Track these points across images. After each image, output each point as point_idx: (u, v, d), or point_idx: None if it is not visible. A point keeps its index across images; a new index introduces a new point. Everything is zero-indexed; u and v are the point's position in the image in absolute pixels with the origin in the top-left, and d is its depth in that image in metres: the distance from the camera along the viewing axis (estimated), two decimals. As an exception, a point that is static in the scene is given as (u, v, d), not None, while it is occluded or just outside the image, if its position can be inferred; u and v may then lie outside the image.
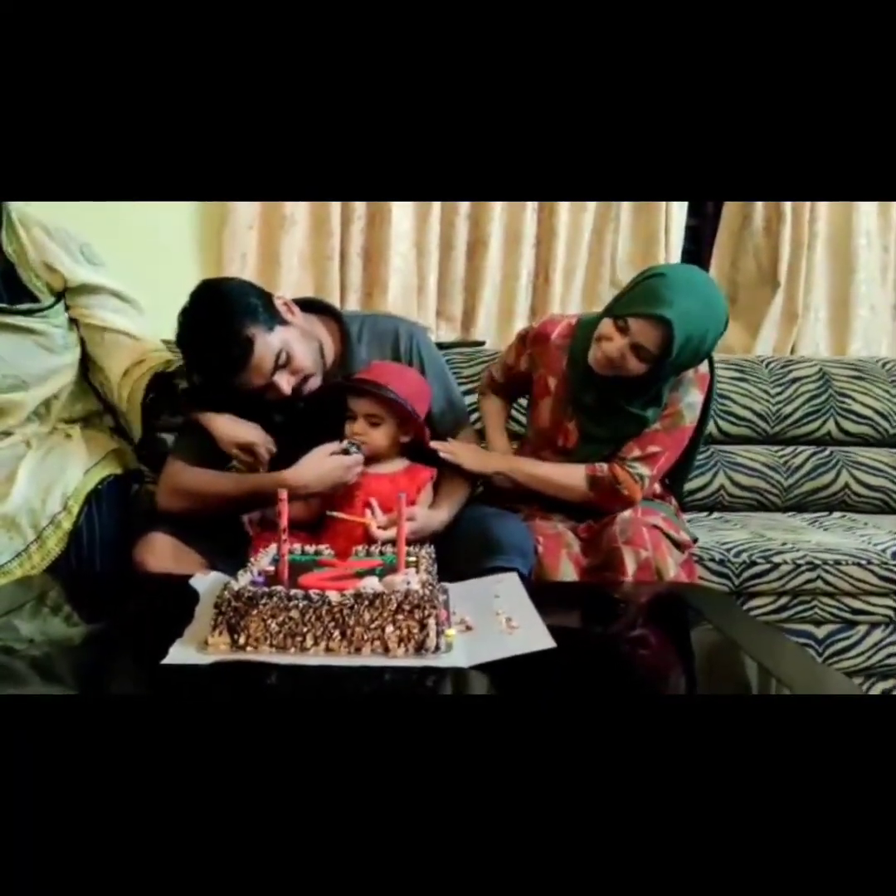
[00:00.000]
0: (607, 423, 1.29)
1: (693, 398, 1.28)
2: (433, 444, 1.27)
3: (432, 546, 1.23)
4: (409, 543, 1.11)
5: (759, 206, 2.03)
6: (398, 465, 1.25)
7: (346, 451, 1.19)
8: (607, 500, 1.26)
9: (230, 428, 1.22)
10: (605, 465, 1.27)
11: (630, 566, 1.18)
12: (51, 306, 1.34)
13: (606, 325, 1.21)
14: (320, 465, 1.18)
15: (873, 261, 2.02)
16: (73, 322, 1.38)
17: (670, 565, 1.20)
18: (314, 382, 1.23)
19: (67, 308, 1.36)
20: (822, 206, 2.01)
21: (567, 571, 1.22)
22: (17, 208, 1.31)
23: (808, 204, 1.99)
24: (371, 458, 1.22)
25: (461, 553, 1.16)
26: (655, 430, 1.27)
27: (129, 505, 1.39)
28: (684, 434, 1.29)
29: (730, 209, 2.07)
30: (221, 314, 1.17)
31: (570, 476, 1.28)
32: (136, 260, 1.80)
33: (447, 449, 1.28)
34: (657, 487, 1.37)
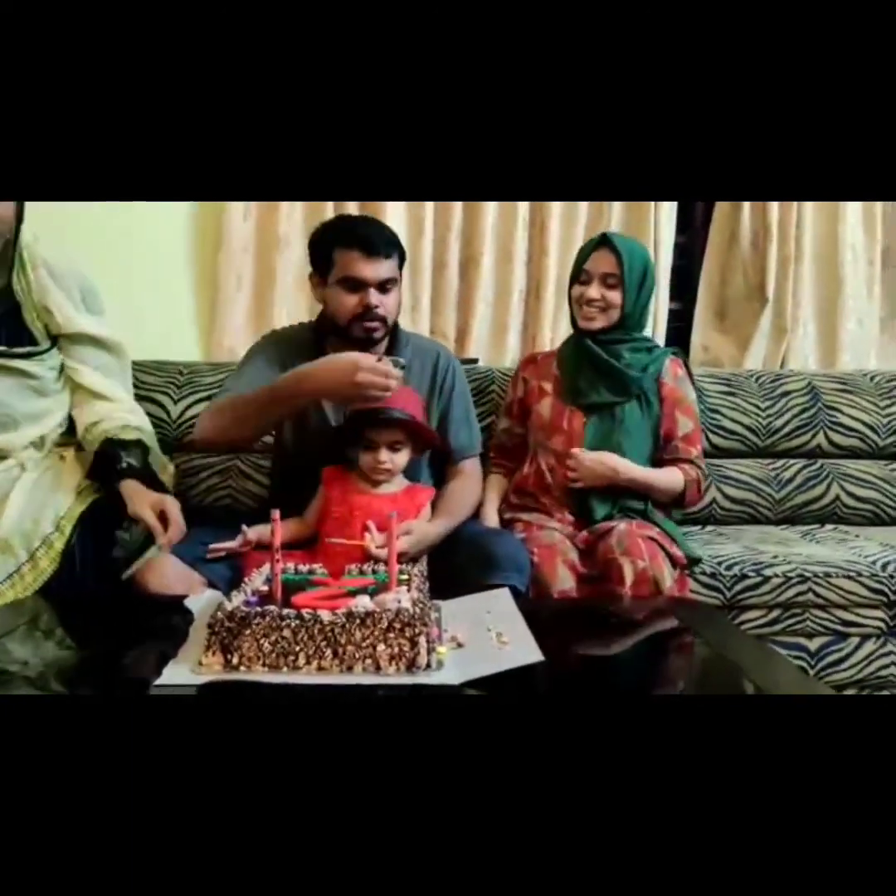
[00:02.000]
0: (605, 388, 1.43)
1: (693, 394, 1.51)
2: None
3: (425, 564, 1.25)
4: (408, 559, 1.13)
5: (746, 223, 2.06)
6: (398, 485, 1.26)
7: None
8: (693, 500, 1.46)
9: (139, 499, 1.26)
10: (687, 467, 1.42)
11: (628, 577, 1.20)
12: (47, 350, 1.35)
13: (575, 290, 1.46)
14: (331, 363, 1.15)
15: (859, 275, 2.05)
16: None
17: (667, 576, 1.23)
18: (379, 336, 1.31)
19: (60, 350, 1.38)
20: (808, 222, 2.04)
21: (564, 579, 1.24)
22: (28, 246, 1.31)
23: (794, 220, 2.03)
24: (379, 481, 1.23)
25: (459, 571, 1.18)
26: (693, 430, 1.46)
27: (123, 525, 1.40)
28: (700, 429, 1.50)
29: (718, 226, 2.10)
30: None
31: (672, 481, 1.41)
32: (131, 281, 1.83)
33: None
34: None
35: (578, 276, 1.46)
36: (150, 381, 1.76)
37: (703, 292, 2.12)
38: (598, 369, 1.44)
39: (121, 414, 1.37)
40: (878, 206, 2.05)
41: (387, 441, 1.21)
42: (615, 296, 1.42)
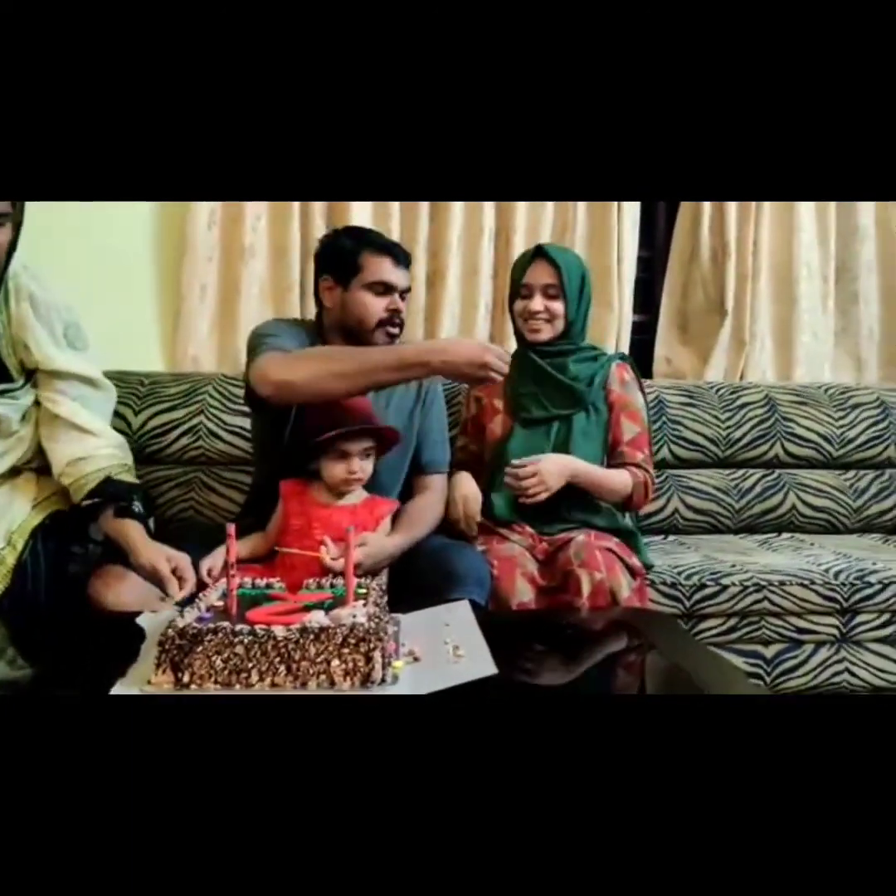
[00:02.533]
0: (551, 402, 1.45)
1: (640, 399, 1.52)
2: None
3: (385, 577, 1.25)
4: (364, 572, 1.13)
5: (705, 239, 2.11)
6: (357, 497, 1.25)
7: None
8: (640, 502, 1.45)
9: (152, 547, 1.16)
10: (635, 470, 1.43)
11: (585, 588, 1.21)
12: (20, 387, 1.29)
13: (517, 305, 1.48)
14: (463, 343, 1.23)
15: (814, 291, 2.11)
16: (36, 402, 1.31)
17: (623, 586, 1.24)
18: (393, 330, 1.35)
19: (34, 385, 1.30)
20: (765, 239, 2.10)
21: (523, 592, 1.25)
22: (15, 276, 1.25)
23: (751, 237, 2.08)
24: (345, 492, 1.23)
25: (420, 584, 1.18)
26: (639, 433, 1.46)
27: (78, 541, 1.37)
28: (649, 433, 1.52)
29: (678, 241, 2.15)
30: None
31: (620, 482, 1.41)
32: (93, 292, 1.80)
33: None
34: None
35: (518, 290, 1.47)
36: (111, 392, 1.73)
37: (665, 306, 2.16)
38: (544, 383, 1.46)
39: (110, 450, 1.30)
40: (832, 223, 2.12)
41: (359, 450, 1.21)
42: (557, 306, 1.44)
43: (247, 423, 1.74)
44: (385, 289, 1.32)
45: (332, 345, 1.35)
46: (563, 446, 1.41)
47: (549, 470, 1.32)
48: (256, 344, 1.27)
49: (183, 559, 1.15)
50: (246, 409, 1.73)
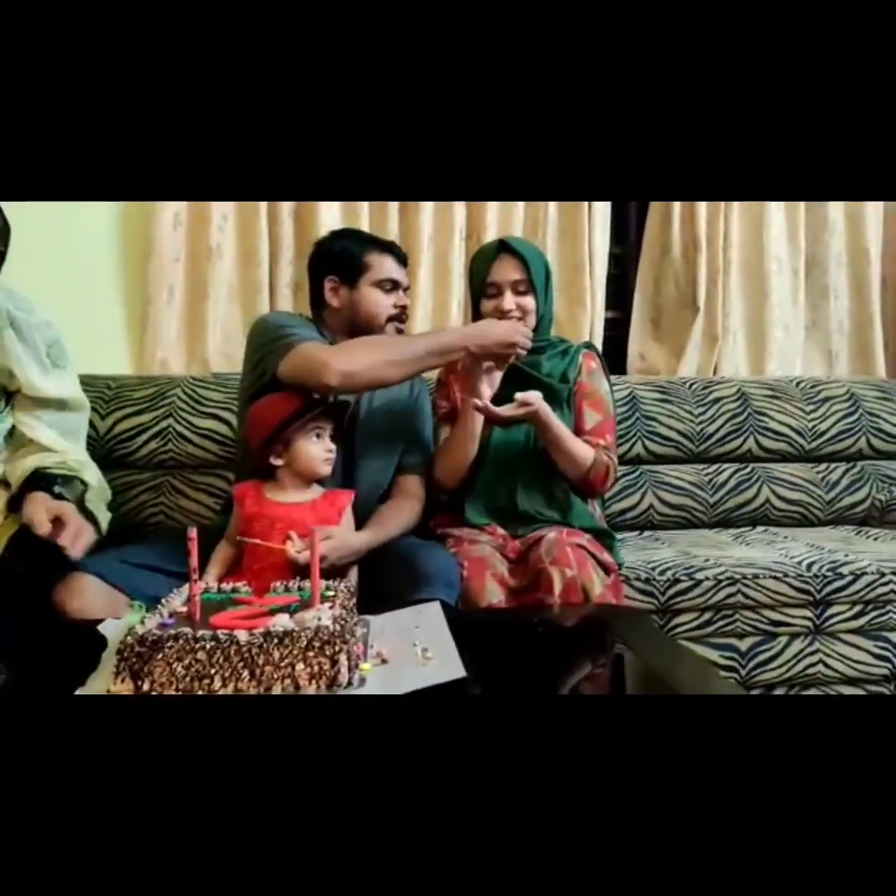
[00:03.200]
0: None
1: (605, 386, 1.48)
2: None
3: (355, 578, 1.23)
4: (329, 566, 1.12)
5: (676, 235, 2.12)
6: (316, 491, 1.24)
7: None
8: (600, 482, 1.39)
9: (41, 500, 1.19)
10: (602, 452, 1.39)
11: (556, 585, 1.20)
12: (2, 409, 1.28)
13: (486, 306, 1.42)
14: (495, 324, 1.32)
15: (784, 284, 2.13)
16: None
17: (596, 583, 1.23)
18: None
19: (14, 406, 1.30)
20: (735, 234, 2.11)
21: (493, 593, 1.23)
22: None
23: (721, 231, 2.09)
24: (321, 475, 1.22)
25: (389, 585, 1.16)
26: (601, 421, 1.43)
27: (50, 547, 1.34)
28: (614, 419, 1.49)
29: (650, 237, 2.15)
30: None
31: (583, 450, 1.37)
32: (56, 290, 1.76)
33: None
34: (599, 510, 1.47)
35: (484, 290, 1.41)
36: (77, 396, 1.70)
37: (638, 302, 2.17)
38: (520, 383, 1.41)
39: (61, 458, 1.29)
40: (801, 217, 2.14)
41: (329, 428, 1.23)
42: (529, 302, 1.40)
43: (217, 425, 1.71)
44: (393, 285, 1.38)
45: (336, 342, 1.36)
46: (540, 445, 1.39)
47: (542, 405, 1.32)
48: (281, 335, 1.29)
49: (65, 507, 1.17)
50: (215, 411, 1.71)
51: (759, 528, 1.85)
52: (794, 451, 1.92)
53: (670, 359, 2.15)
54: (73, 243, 1.81)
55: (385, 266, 1.38)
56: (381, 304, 1.37)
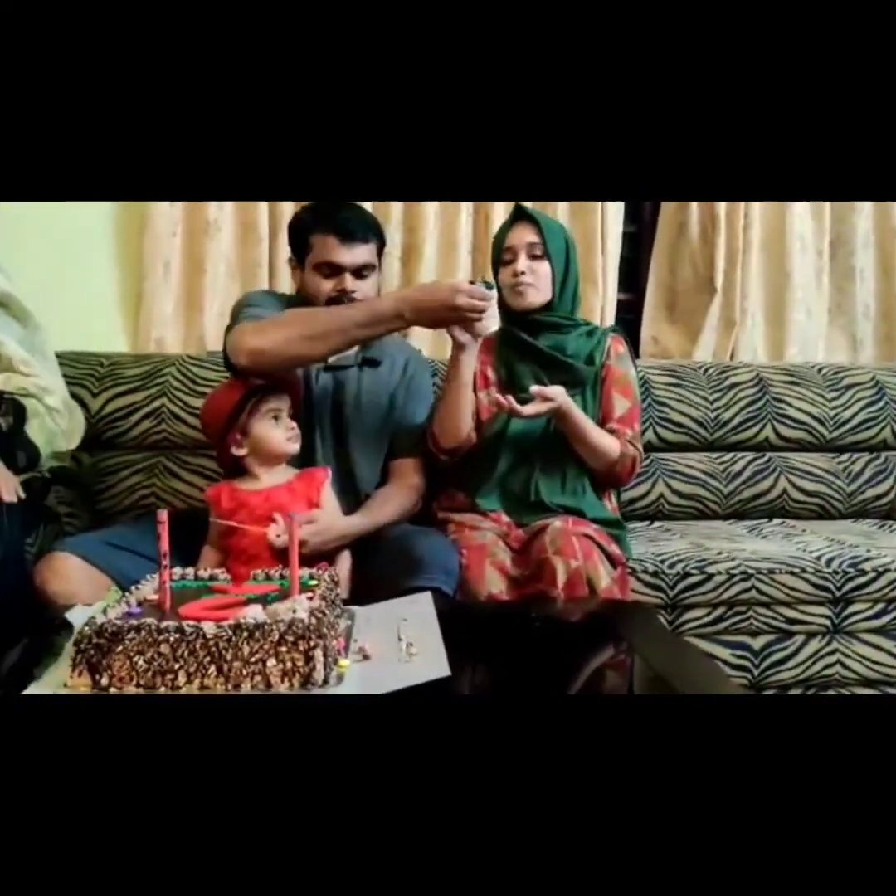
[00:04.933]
0: (551, 383, 1.31)
1: (633, 371, 1.42)
2: None
3: (346, 566, 1.17)
4: (311, 551, 1.06)
5: (694, 213, 2.02)
6: (290, 472, 1.20)
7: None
8: (627, 475, 1.35)
9: None
10: (627, 443, 1.33)
11: (560, 577, 1.14)
12: None
13: (503, 274, 1.37)
14: (435, 287, 1.20)
15: (808, 265, 2.03)
16: None
17: (602, 575, 1.17)
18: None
19: None
20: (756, 213, 2.01)
21: (493, 581, 1.18)
22: None
23: (742, 210, 1.99)
24: (284, 457, 1.19)
25: (383, 572, 1.12)
26: (630, 408, 1.37)
27: (36, 522, 1.30)
28: (640, 408, 1.44)
29: (666, 217, 2.06)
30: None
31: (609, 443, 1.32)
32: (48, 265, 1.71)
33: None
34: (613, 500, 1.42)
35: (501, 258, 1.38)
36: (68, 374, 1.63)
37: (652, 284, 2.08)
38: (542, 363, 1.37)
39: (25, 383, 1.30)
40: (827, 197, 2.04)
41: (287, 407, 1.19)
42: (543, 267, 1.34)
43: (212, 406, 1.66)
44: (331, 270, 1.27)
45: None
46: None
47: (565, 400, 1.26)
48: (236, 314, 1.25)
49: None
50: (210, 391, 1.65)
51: (776, 521, 1.77)
52: (815, 441, 1.83)
53: (685, 343, 2.06)
54: (66, 214, 1.75)
55: (325, 248, 1.26)
56: (320, 288, 1.27)
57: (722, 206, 1.98)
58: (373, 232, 1.31)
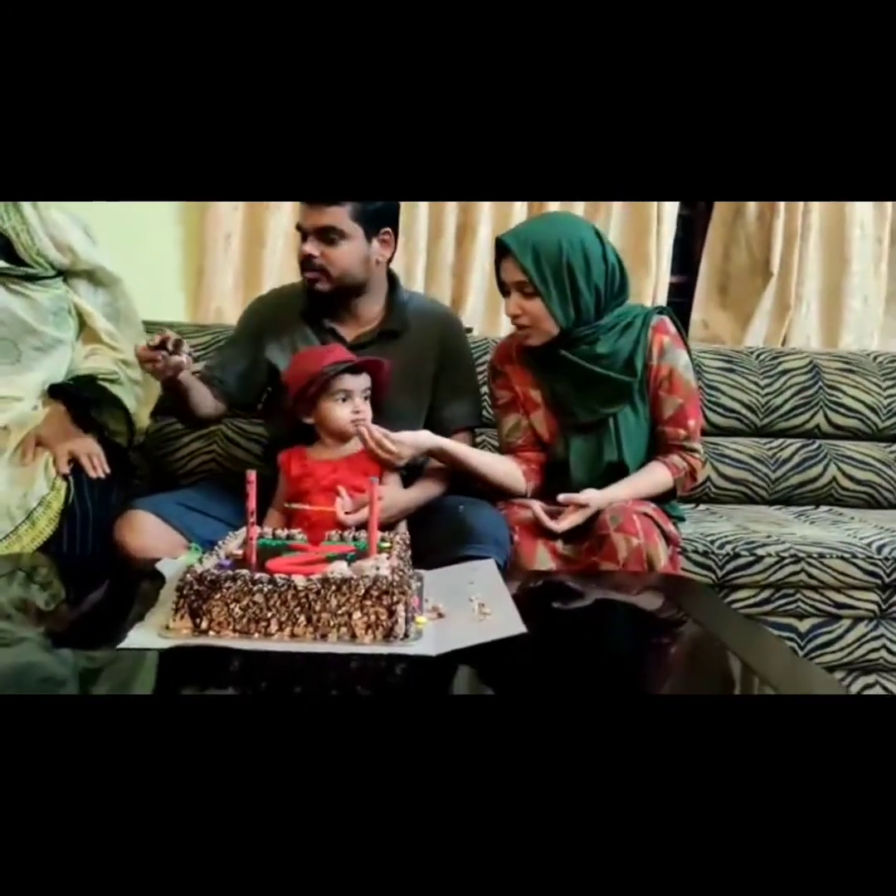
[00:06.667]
0: (596, 401, 1.27)
1: (683, 359, 1.29)
2: None
3: (406, 531, 1.21)
4: (381, 527, 1.09)
5: (752, 196, 2.00)
6: (355, 446, 1.22)
7: None
8: (690, 487, 1.35)
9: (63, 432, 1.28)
10: (675, 458, 1.28)
11: (621, 553, 1.15)
12: (52, 276, 1.32)
13: (509, 306, 1.25)
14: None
15: (867, 252, 2.00)
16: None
17: (661, 554, 1.18)
18: (324, 288, 1.27)
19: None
20: (816, 197, 1.99)
21: (543, 560, 1.20)
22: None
23: (801, 194, 1.97)
24: (350, 436, 1.21)
25: (436, 541, 1.14)
26: (681, 405, 1.27)
27: (120, 483, 1.36)
28: (697, 394, 1.33)
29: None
30: None
31: (662, 482, 1.28)
32: (113, 238, 1.76)
33: None
34: None
35: (504, 289, 1.26)
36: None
37: (705, 267, 2.07)
38: (580, 382, 1.25)
39: (110, 366, 1.36)
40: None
41: (360, 389, 1.20)
42: (535, 306, 1.20)
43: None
44: (300, 231, 1.26)
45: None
46: (600, 452, 1.28)
47: (598, 497, 1.23)
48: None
49: (78, 445, 1.25)
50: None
51: (823, 508, 1.77)
52: (867, 430, 1.82)
53: (735, 327, 2.06)
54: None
55: (299, 211, 1.28)
56: (297, 253, 1.29)
57: (780, 190, 1.96)
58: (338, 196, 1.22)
